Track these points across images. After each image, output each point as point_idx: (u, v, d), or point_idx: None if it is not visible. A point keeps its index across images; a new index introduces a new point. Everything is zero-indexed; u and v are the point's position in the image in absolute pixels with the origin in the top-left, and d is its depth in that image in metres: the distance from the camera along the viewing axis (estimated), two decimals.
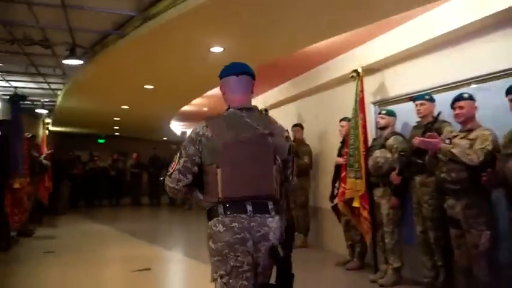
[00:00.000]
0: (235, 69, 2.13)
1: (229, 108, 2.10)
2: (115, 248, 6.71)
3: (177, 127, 15.22)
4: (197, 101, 9.33)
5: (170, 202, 13.08)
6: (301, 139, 6.47)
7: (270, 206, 1.99)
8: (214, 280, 1.98)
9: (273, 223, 1.99)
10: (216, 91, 8.32)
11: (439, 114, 3.79)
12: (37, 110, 8.41)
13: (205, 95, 8.45)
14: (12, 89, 7.38)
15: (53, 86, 7.39)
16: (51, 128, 13.74)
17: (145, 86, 6.89)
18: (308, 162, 6.19)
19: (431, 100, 4.03)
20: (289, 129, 6.61)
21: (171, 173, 2.04)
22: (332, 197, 5.34)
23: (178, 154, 2.06)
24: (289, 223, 2.16)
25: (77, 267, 5.26)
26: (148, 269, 5.01)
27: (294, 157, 2.23)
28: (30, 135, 7.54)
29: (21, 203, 6.20)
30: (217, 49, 4.96)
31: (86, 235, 7.73)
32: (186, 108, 10.19)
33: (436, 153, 3.45)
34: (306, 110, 7.00)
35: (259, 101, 8.21)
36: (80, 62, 5.12)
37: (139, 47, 4.99)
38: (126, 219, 10.59)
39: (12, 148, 6.02)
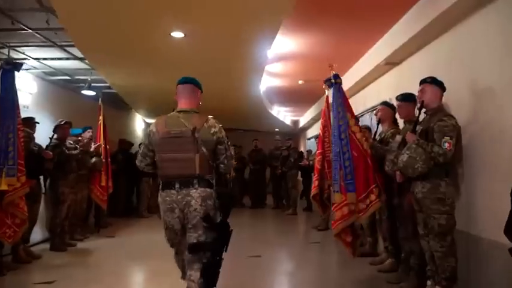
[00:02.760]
0: (181, 80, 2.94)
1: (173, 110, 2.92)
2: None
3: (284, 115, 12.80)
4: (286, 69, 6.76)
5: (275, 205, 10.76)
6: (437, 106, 3.43)
7: (195, 182, 2.74)
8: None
9: (196, 193, 2.74)
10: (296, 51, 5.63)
11: None
12: (83, 92, 6.74)
13: (290, 55, 5.83)
14: (42, 65, 5.73)
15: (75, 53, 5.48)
16: (146, 120, 12.56)
17: (172, 34, 4.57)
18: (448, 148, 3.17)
19: None
20: (416, 92, 3.74)
21: (139, 155, 3.00)
22: (510, 227, 2.28)
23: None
24: (226, 194, 2.83)
25: None
26: None
27: (227, 146, 2.89)
28: (63, 122, 5.88)
29: (15, 211, 4.41)
30: None
31: (131, 253, 5.76)
32: (277, 83, 7.69)
33: None
34: (449, 56, 3.89)
35: (364, 64, 5.29)
36: None
37: None
38: None
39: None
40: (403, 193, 3.76)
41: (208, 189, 2.78)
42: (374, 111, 5.18)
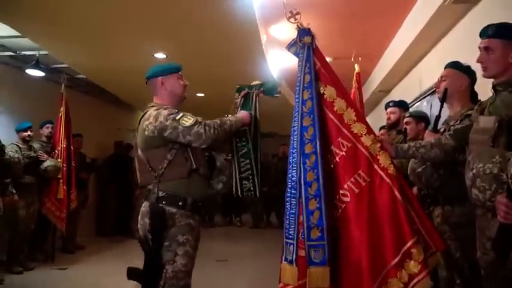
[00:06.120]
0: None
1: None
2: None
3: None
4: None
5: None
6: None
7: (145, 193, 2.22)
8: None
9: (142, 207, 2.22)
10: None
11: None
12: (28, 71, 5.06)
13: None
14: None
15: None
16: None
17: None
18: None
19: None
20: None
21: None
22: None
23: None
24: (155, 209, 2.13)
25: None
26: None
27: (174, 123, 2.13)
28: None
29: None
30: None
31: None
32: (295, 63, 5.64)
33: None
34: None
35: None
36: None
37: None
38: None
39: None
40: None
41: (149, 203, 2.20)
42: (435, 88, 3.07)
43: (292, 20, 2.19)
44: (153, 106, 2.28)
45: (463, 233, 2.26)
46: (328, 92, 2.04)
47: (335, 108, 2.02)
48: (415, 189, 2.71)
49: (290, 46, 2.22)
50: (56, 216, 5.19)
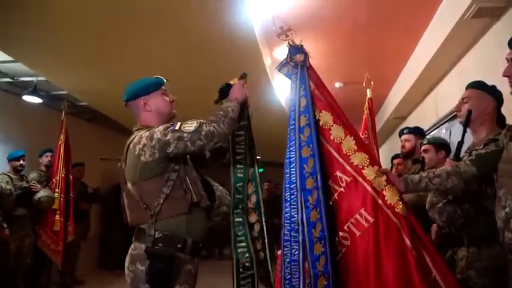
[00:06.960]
0: None
1: None
2: None
3: None
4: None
5: None
6: None
7: (136, 233, 1.93)
8: None
9: (130, 250, 1.90)
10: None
11: None
12: (25, 97, 4.93)
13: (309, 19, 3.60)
14: None
15: None
16: None
17: None
18: None
19: None
20: None
21: None
22: None
23: None
24: (161, 253, 1.78)
25: None
26: None
27: (178, 133, 1.82)
28: None
29: None
30: None
31: None
32: None
33: None
34: None
35: None
36: None
37: None
38: None
39: None
40: None
41: (143, 246, 1.80)
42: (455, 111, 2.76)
43: (283, 37, 1.94)
44: (140, 129, 2.00)
45: (492, 281, 1.95)
46: (324, 118, 1.79)
47: (332, 137, 1.76)
48: (435, 227, 2.38)
49: (281, 66, 1.97)
50: (52, 250, 4.92)
